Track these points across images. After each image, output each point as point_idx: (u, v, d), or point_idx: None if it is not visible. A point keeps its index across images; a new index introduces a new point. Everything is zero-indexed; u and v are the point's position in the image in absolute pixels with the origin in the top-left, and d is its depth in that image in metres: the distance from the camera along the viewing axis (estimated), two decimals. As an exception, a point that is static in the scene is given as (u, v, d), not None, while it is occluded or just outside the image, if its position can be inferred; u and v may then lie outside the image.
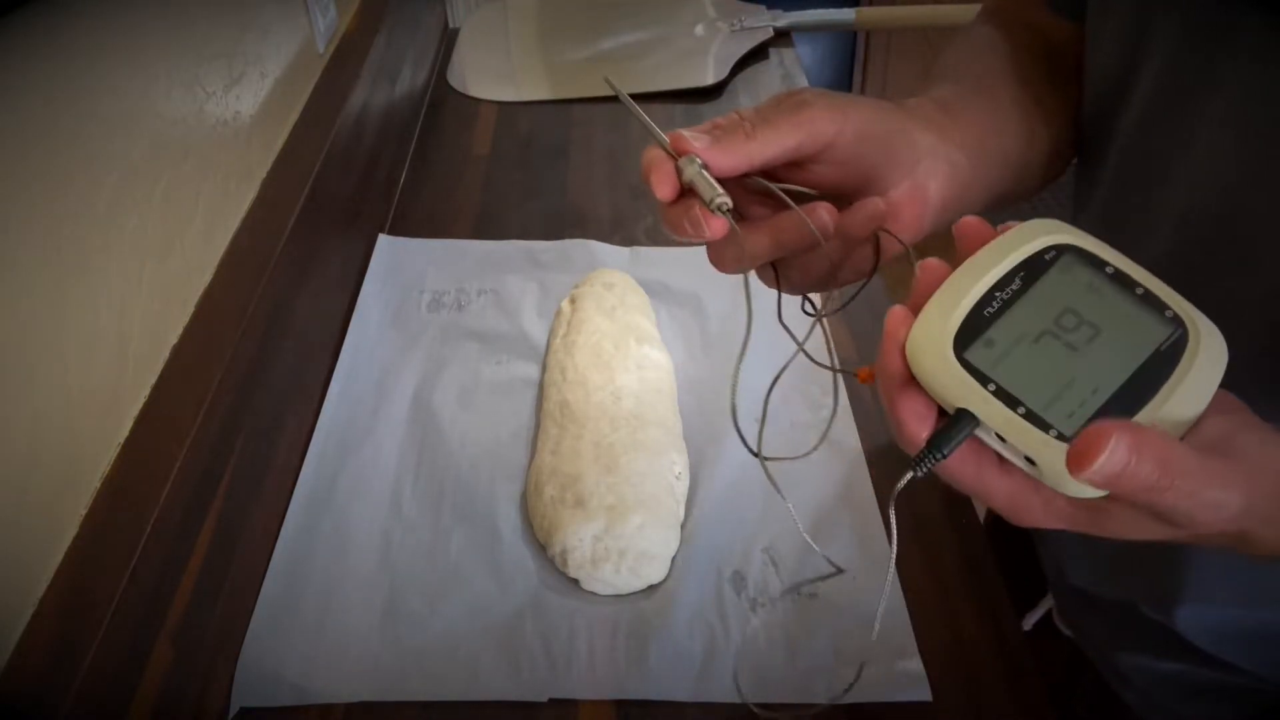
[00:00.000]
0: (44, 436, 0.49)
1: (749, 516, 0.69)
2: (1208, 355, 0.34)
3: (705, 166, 0.40)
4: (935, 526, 0.69)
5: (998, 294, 0.36)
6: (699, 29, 1.40)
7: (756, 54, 1.36)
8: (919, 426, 0.36)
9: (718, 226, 0.40)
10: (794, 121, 0.41)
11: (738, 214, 0.45)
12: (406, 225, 1.03)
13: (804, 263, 0.45)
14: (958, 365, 0.35)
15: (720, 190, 0.40)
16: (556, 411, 0.74)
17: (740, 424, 0.46)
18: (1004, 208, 0.55)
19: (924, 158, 0.45)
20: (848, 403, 0.78)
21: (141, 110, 0.61)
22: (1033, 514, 0.36)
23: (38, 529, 0.49)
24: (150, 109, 0.62)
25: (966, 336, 0.35)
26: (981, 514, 0.71)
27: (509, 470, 0.73)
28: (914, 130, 0.45)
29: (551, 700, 0.59)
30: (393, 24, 1.16)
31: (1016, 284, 0.36)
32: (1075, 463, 0.31)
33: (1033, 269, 0.37)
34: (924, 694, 0.59)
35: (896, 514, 0.38)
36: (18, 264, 0.48)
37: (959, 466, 0.36)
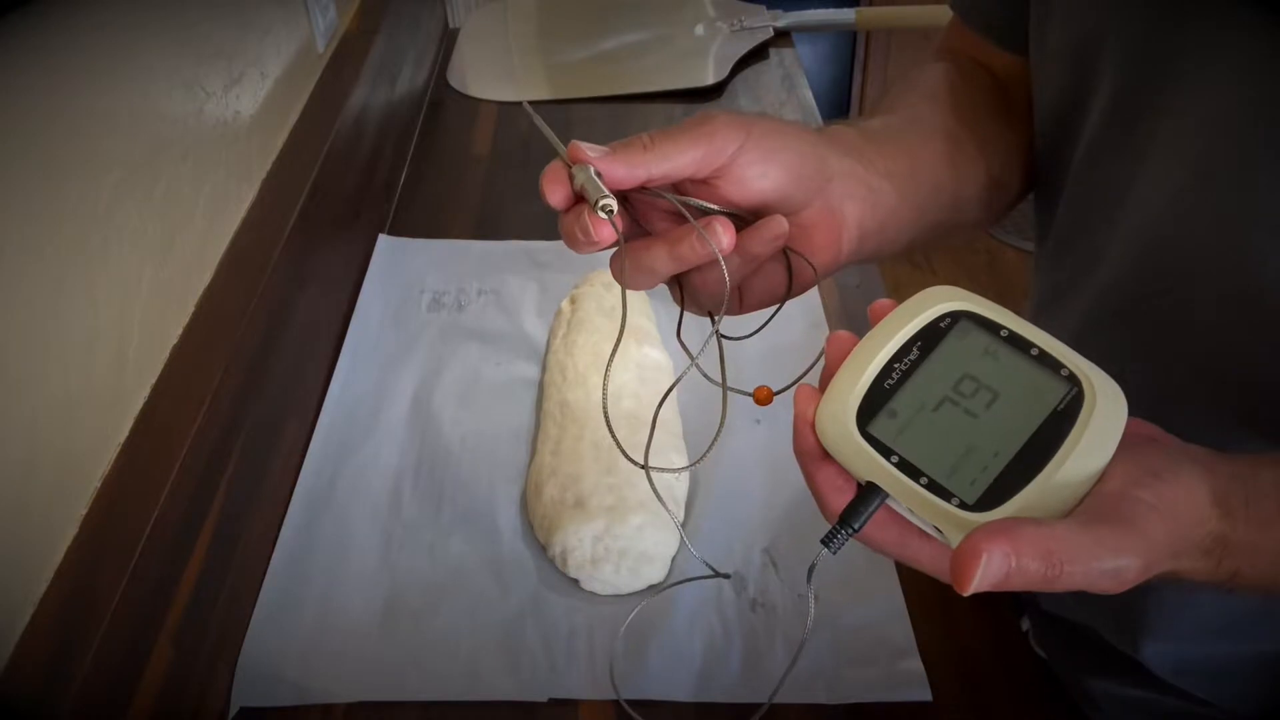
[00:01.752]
0: (44, 437, 0.49)
1: (749, 517, 0.69)
2: (1105, 410, 0.34)
3: (599, 175, 0.40)
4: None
5: (897, 365, 0.37)
6: (699, 29, 1.40)
7: (756, 54, 1.36)
8: (838, 499, 0.37)
9: (604, 231, 0.40)
10: (694, 135, 0.41)
11: (644, 230, 0.44)
12: (406, 225, 1.03)
13: (705, 280, 0.44)
14: (861, 440, 0.36)
15: (607, 193, 0.39)
16: (556, 411, 0.74)
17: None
18: (945, 240, 0.54)
19: (836, 179, 0.44)
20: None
21: (141, 110, 0.61)
22: None
23: (38, 529, 0.49)
24: (150, 109, 0.62)
25: (869, 410, 0.36)
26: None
27: (509, 470, 0.73)
28: (826, 152, 0.45)
29: (551, 700, 0.59)
30: (393, 24, 1.16)
31: (914, 353, 0.37)
32: (957, 582, 0.31)
33: (929, 337, 0.37)
34: (924, 694, 0.59)
35: None
36: (17, 264, 0.48)
37: (880, 536, 0.36)
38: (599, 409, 0.72)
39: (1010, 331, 0.36)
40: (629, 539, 0.64)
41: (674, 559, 0.66)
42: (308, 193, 0.81)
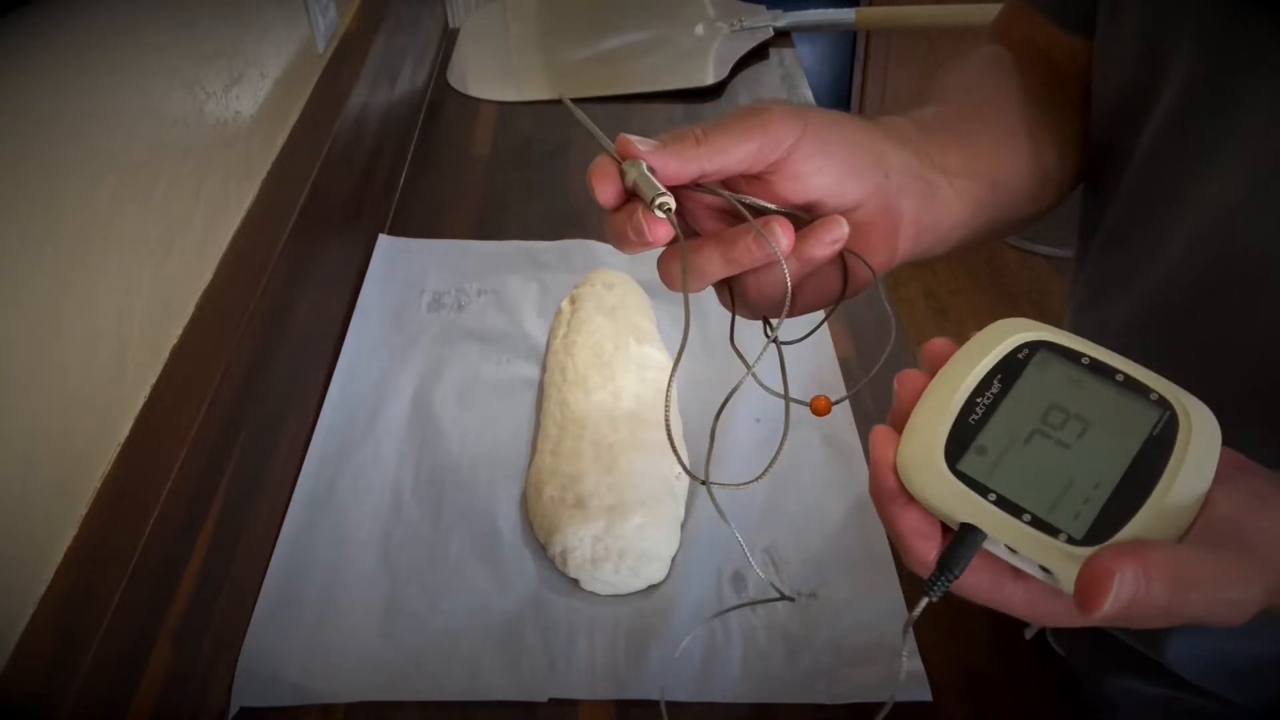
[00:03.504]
0: (44, 437, 0.49)
1: (749, 517, 0.69)
2: (1201, 433, 0.33)
3: (652, 171, 0.38)
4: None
5: (979, 399, 0.35)
6: (699, 29, 1.40)
7: (756, 54, 1.36)
8: (925, 545, 0.35)
9: (660, 230, 0.38)
10: (748, 126, 0.39)
11: (692, 231, 0.42)
12: (406, 225, 1.03)
13: (760, 283, 0.42)
14: (954, 479, 0.34)
15: (663, 190, 0.37)
16: (556, 411, 0.74)
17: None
18: (995, 237, 0.53)
19: (894, 174, 0.42)
20: (847, 403, 0.77)
21: (141, 110, 0.61)
22: (1055, 617, 0.34)
23: (38, 529, 0.49)
24: (150, 109, 0.62)
25: (957, 447, 0.34)
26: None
27: (509, 470, 0.73)
28: (883, 145, 0.43)
29: (551, 700, 0.59)
30: (393, 24, 1.16)
31: (996, 386, 0.36)
32: (1083, 605, 0.29)
33: (1009, 369, 0.36)
34: (924, 694, 0.59)
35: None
36: (17, 264, 0.48)
37: (973, 581, 0.34)
38: (599, 409, 0.72)
39: (1091, 359, 0.35)
40: (629, 539, 0.64)
41: (674, 559, 0.66)
42: (308, 193, 0.81)
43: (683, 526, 0.68)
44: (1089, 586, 0.29)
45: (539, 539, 0.67)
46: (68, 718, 0.45)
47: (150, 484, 0.55)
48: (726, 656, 0.61)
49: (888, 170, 0.42)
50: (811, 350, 0.81)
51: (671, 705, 0.58)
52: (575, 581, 0.65)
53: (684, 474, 0.70)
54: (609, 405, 0.73)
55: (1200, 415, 0.33)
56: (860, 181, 0.41)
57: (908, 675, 0.59)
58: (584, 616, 0.63)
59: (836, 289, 0.43)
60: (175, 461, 0.56)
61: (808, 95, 1.27)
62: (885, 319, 0.87)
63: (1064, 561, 0.32)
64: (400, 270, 0.94)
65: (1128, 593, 0.29)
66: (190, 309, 0.66)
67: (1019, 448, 0.34)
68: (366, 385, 0.81)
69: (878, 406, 0.78)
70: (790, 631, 0.62)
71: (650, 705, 0.58)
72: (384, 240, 0.98)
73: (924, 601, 0.34)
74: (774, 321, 0.42)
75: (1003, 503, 0.33)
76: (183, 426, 0.58)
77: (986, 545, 0.34)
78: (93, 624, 0.48)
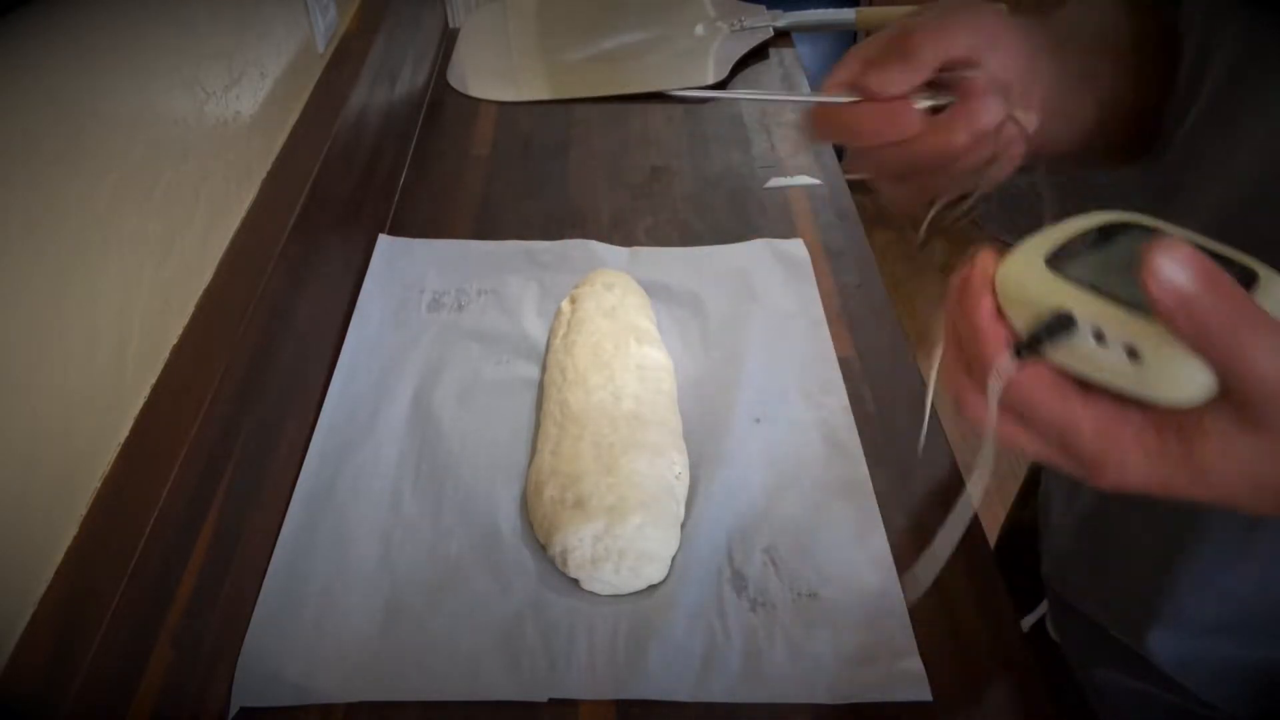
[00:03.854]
0: (44, 437, 0.49)
1: (749, 517, 0.69)
2: (1277, 283, 0.34)
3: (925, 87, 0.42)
4: (935, 526, 0.68)
5: (1074, 246, 0.37)
6: (699, 29, 1.40)
7: (756, 54, 1.36)
8: (996, 342, 0.35)
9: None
10: (963, 17, 0.42)
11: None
12: (406, 225, 1.03)
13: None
14: (1052, 275, 0.35)
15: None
16: (556, 412, 0.74)
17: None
18: (1069, 172, 0.55)
19: (1040, 78, 0.46)
20: (847, 402, 0.77)
21: (141, 110, 0.61)
22: (1122, 448, 0.33)
23: (38, 529, 0.49)
24: (150, 109, 0.62)
25: (1056, 262, 0.36)
26: (988, 523, 0.71)
27: (509, 470, 0.73)
28: (1038, 51, 0.46)
29: (551, 700, 0.59)
30: (393, 24, 1.16)
31: (1091, 240, 0.38)
32: (1150, 254, 0.30)
33: (1102, 233, 0.38)
34: (924, 694, 0.59)
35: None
36: (17, 264, 0.48)
37: (1044, 393, 0.34)
38: (599, 409, 0.72)
39: (1176, 234, 0.37)
40: (629, 539, 0.64)
41: (674, 559, 0.66)
42: (308, 193, 0.81)
43: (682, 526, 0.68)
44: (1155, 247, 0.30)
45: (539, 539, 0.67)
46: (68, 718, 0.45)
47: (150, 484, 0.55)
48: (726, 656, 0.61)
49: (1039, 74, 0.46)
50: (812, 350, 0.81)
51: (671, 705, 0.58)
52: (575, 581, 0.65)
53: (684, 473, 0.70)
54: (609, 405, 0.73)
55: (1275, 274, 0.35)
56: (1023, 79, 0.45)
57: (907, 675, 0.59)
58: (584, 616, 0.63)
59: (994, 170, 0.46)
60: (175, 461, 0.56)
61: (808, 95, 1.27)
62: (885, 319, 0.87)
63: (1154, 340, 0.32)
64: (400, 270, 0.94)
65: (1189, 264, 0.29)
66: (190, 309, 0.66)
67: (1114, 275, 0.35)
68: (366, 385, 0.81)
69: (878, 407, 0.78)
70: (790, 631, 0.62)
71: (651, 705, 0.58)
72: (384, 240, 0.98)
73: (1012, 357, 0.35)
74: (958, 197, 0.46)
75: (1098, 289, 0.34)
76: (183, 426, 0.58)
77: (1072, 348, 0.34)
78: (93, 624, 0.48)
